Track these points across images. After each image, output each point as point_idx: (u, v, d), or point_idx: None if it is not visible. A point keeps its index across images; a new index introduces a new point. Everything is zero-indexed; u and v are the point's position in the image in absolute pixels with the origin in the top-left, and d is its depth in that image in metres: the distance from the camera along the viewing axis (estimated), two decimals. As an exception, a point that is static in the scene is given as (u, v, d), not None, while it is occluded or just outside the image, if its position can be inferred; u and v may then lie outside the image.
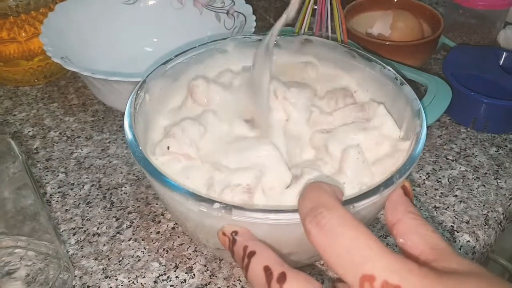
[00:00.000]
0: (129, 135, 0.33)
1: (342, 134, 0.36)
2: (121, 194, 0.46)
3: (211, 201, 0.28)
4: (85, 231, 0.43)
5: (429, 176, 0.49)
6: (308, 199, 0.25)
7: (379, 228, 0.43)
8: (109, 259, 0.41)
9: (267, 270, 0.25)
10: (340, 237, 0.22)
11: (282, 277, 0.24)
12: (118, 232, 0.43)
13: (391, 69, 0.39)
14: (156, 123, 0.38)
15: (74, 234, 0.43)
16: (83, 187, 0.47)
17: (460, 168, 0.50)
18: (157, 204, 0.45)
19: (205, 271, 0.40)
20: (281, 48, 0.44)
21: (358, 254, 0.22)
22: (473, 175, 0.49)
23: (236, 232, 0.28)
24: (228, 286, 0.39)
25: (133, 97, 0.35)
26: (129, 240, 0.42)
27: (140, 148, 0.32)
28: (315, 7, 0.55)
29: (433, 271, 0.21)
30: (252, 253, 0.26)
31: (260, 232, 0.29)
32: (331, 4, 0.53)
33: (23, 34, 0.57)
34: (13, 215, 0.36)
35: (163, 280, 0.39)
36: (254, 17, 0.57)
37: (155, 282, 0.39)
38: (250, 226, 0.29)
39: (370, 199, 0.29)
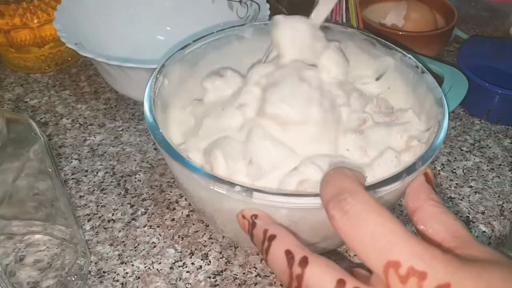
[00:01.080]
0: (149, 118, 0.32)
1: (376, 135, 0.35)
2: (135, 182, 0.46)
3: (232, 184, 0.28)
4: (100, 217, 0.43)
5: (444, 167, 0.49)
6: (331, 184, 0.24)
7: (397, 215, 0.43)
8: (124, 245, 0.41)
9: (289, 253, 0.24)
10: (364, 223, 0.22)
11: (304, 261, 0.24)
12: (133, 219, 0.43)
13: (412, 57, 0.39)
14: (174, 109, 0.38)
15: (89, 220, 0.43)
16: (97, 173, 0.47)
17: (474, 159, 0.50)
18: (171, 192, 0.45)
19: (221, 258, 0.40)
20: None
21: (382, 239, 0.22)
22: (487, 166, 0.49)
23: (256, 216, 0.28)
24: (244, 273, 0.39)
25: (153, 80, 0.35)
26: (144, 226, 0.42)
27: (161, 131, 0.32)
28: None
29: (458, 258, 0.21)
30: (273, 237, 0.26)
31: (279, 216, 0.29)
32: (346, -7, 0.53)
33: (36, 20, 0.57)
34: (30, 199, 0.36)
35: (179, 266, 0.39)
36: (268, 6, 0.56)
37: (171, 268, 0.39)
38: (269, 209, 0.28)
39: (392, 186, 0.29)
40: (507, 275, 0.21)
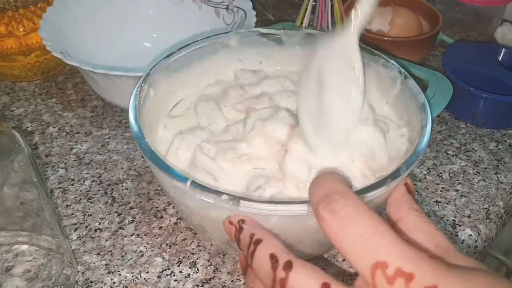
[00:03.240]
0: (134, 128, 0.32)
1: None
2: (122, 190, 0.46)
3: (219, 193, 0.28)
4: (86, 227, 0.43)
5: (430, 171, 0.49)
6: (321, 186, 0.25)
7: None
8: (111, 254, 0.40)
9: (273, 257, 0.25)
10: (354, 224, 0.22)
11: (288, 265, 0.24)
12: (120, 228, 0.43)
13: (394, 62, 0.39)
14: (160, 118, 0.38)
15: (75, 230, 0.42)
16: (83, 182, 0.47)
17: (460, 163, 0.50)
18: (159, 199, 0.45)
19: (209, 265, 0.40)
20: (283, 43, 0.43)
21: (371, 240, 0.22)
22: (473, 170, 0.50)
23: (243, 221, 0.28)
24: (232, 281, 0.39)
25: (137, 90, 0.35)
26: (131, 235, 0.42)
27: (146, 140, 0.32)
28: (314, 3, 0.55)
29: (445, 263, 0.22)
30: (259, 241, 0.26)
31: (267, 224, 0.29)
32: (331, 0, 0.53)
33: (21, 28, 0.57)
34: (16, 209, 0.35)
35: (166, 275, 0.39)
36: (254, 13, 0.57)
37: (158, 277, 0.39)
38: (257, 217, 0.29)
39: (378, 191, 0.29)
40: (492, 280, 0.21)
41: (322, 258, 0.40)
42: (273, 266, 0.24)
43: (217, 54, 0.42)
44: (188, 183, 0.29)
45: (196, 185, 0.29)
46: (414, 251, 0.21)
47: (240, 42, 0.43)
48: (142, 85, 0.36)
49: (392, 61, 0.39)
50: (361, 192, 0.28)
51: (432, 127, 0.34)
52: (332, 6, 0.54)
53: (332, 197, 0.23)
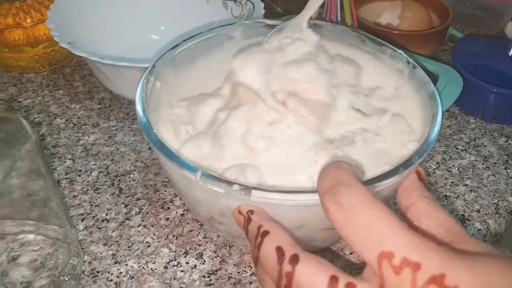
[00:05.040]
0: (143, 119, 0.32)
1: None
2: (130, 181, 0.46)
3: (230, 183, 0.28)
4: (93, 217, 0.43)
5: (439, 166, 0.49)
6: (327, 177, 0.24)
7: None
8: (118, 244, 0.40)
9: (280, 250, 0.24)
10: (358, 214, 0.22)
11: (295, 259, 0.23)
12: (127, 218, 0.42)
13: (402, 52, 0.38)
14: (167, 108, 0.38)
15: (82, 220, 0.42)
16: (90, 173, 0.47)
17: (470, 158, 0.50)
18: (165, 191, 0.45)
19: (215, 257, 0.39)
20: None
21: (377, 230, 0.21)
22: (483, 164, 0.49)
23: (252, 211, 0.28)
24: (238, 272, 0.38)
25: (144, 81, 0.35)
26: (138, 226, 0.42)
27: (155, 131, 0.31)
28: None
29: (452, 250, 0.21)
30: (266, 233, 0.26)
31: (278, 214, 0.28)
32: (341, -8, 0.53)
33: (29, 20, 0.56)
34: (23, 199, 0.35)
35: (173, 265, 0.39)
36: (262, 5, 0.56)
37: (165, 267, 0.39)
38: (268, 207, 0.28)
39: (390, 180, 0.28)
40: (503, 266, 0.21)
41: (330, 251, 0.40)
42: (279, 259, 0.24)
43: (222, 46, 0.42)
44: (199, 173, 0.29)
45: (207, 175, 0.29)
46: (421, 240, 0.21)
47: (245, 33, 0.42)
48: (149, 77, 0.35)
49: (400, 51, 0.39)
50: (373, 181, 0.28)
51: (442, 120, 0.34)
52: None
53: (337, 188, 0.23)
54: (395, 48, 0.39)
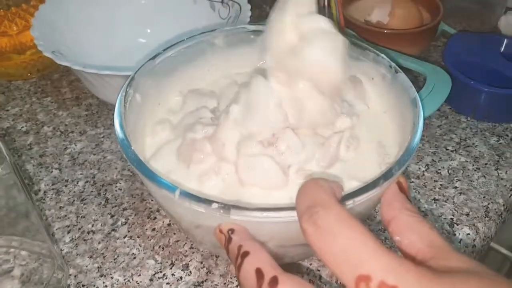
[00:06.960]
0: (120, 134, 0.32)
1: None
2: (116, 191, 0.46)
3: (209, 202, 0.28)
4: (79, 229, 0.42)
5: (428, 168, 0.48)
6: (305, 196, 0.24)
7: (376, 222, 0.43)
8: (104, 257, 0.40)
9: (259, 272, 0.24)
10: (336, 237, 0.22)
11: (274, 281, 0.23)
12: (113, 230, 0.42)
13: (385, 56, 0.38)
14: (149, 122, 0.38)
15: (68, 232, 0.42)
16: (77, 183, 0.47)
17: (460, 159, 0.49)
18: (152, 200, 0.45)
19: (202, 268, 0.39)
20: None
21: (354, 253, 0.21)
22: (473, 165, 0.49)
23: (232, 230, 0.28)
24: (224, 283, 0.38)
25: (122, 95, 0.34)
26: (124, 237, 0.42)
27: (133, 148, 0.31)
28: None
29: (431, 271, 0.21)
30: (246, 253, 0.26)
31: (260, 231, 0.28)
32: (327, -10, 0.52)
33: (14, 27, 0.56)
34: (5, 214, 0.35)
35: (159, 278, 0.39)
36: (249, 6, 0.55)
37: (151, 280, 0.38)
38: (249, 225, 0.28)
39: (370, 193, 0.28)
40: (485, 283, 0.21)
41: (316, 259, 0.40)
42: (259, 281, 0.24)
43: (205, 55, 0.41)
44: (177, 192, 0.28)
45: (186, 194, 0.28)
46: (398, 262, 0.21)
47: (227, 41, 0.42)
48: (128, 89, 0.35)
49: (383, 55, 0.38)
50: (353, 195, 0.28)
51: (426, 123, 0.33)
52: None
53: (315, 210, 0.23)
54: (378, 52, 0.39)
